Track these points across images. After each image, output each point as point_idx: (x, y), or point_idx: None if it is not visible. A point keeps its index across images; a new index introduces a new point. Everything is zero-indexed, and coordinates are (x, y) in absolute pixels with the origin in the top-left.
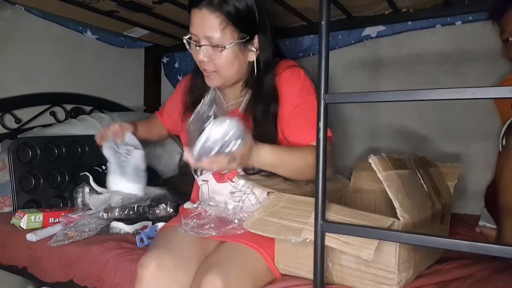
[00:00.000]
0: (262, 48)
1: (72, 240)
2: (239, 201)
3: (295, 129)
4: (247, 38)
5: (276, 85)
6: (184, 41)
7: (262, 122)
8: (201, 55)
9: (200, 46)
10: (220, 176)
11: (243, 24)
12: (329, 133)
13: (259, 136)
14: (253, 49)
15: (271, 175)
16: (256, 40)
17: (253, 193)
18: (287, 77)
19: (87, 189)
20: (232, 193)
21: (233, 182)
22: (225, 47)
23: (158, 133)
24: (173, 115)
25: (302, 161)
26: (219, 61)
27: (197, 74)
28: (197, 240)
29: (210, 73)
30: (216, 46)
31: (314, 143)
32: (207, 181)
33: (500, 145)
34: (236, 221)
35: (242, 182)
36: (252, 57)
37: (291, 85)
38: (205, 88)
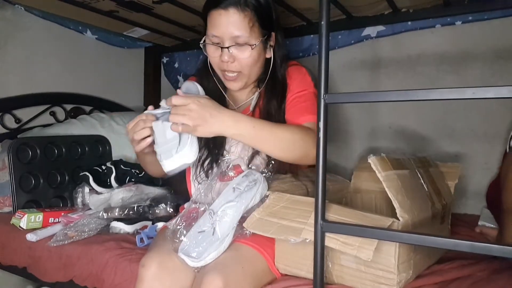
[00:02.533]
0: (279, 44)
1: (72, 240)
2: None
3: (292, 114)
4: (268, 35)
5: (286, 81)
6: (201, 45)
7: (276, 116)
8: (226, 56)
9: (224, 48)
10: (223, 176)
11: (265, 21)
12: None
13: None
14: (271, 45)
15: (272, 175)
16: (273, 36)
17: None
18: (289, 75)
19: (87, 189)
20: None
21: None
22: (255, 45)
23: None
24: None
25: (288, 135)
26: (246, 61)
27: (205, 77)
28: None
29: (233, 76)
30: (244, 45)
31: (307, 124)
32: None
33: (508, 146)
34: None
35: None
36: (270, 53)
37: (292, 81)
38: (214, 89)
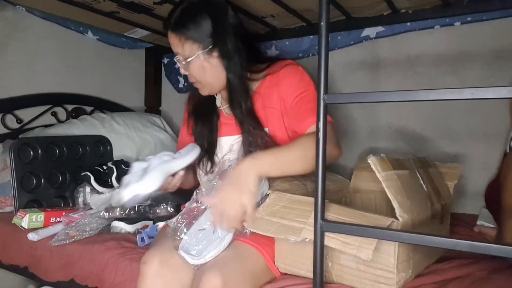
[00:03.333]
0: (223, 56)
1: (73, 239)
2: None
3: (295, 117)
4: (210, 47)
5: (246, 83)
6: (175, 60)
7: (247, 119)
8: (181, 69)
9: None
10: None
11: (200, 38)
12: (329, 118)
13: (245, 131)
14: (217, 57)
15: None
16: (216, 49)
17: None
18: (286, 73)
19: (88, 189)
20: None
21: None
22: (191, 59)
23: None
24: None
25: (302, 151)
26: (192, 72)
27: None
28: None
29: (195, 84)
30: (184, 61)
31: (312, 129)
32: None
33: (508, 147)
34: None
35: None
36: (222, 63)
37: (289, 80)
38: (205, 97)
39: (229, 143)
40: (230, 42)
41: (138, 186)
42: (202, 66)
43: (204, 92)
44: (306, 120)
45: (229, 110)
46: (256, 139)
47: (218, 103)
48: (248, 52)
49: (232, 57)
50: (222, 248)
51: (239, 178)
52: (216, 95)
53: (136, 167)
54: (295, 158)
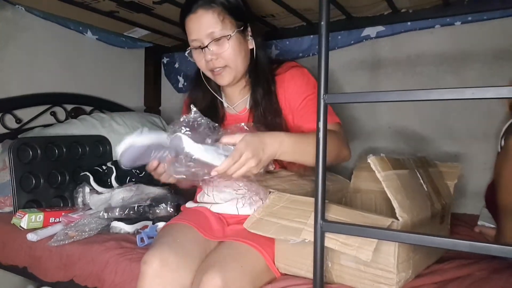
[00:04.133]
0: (256, 35)
1: (72, 239)
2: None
3: (305, 119)
4: (243, 26)
5: (275, 75)
6: (187, 54)
7: (262, 104)
8: (209, 54)
9: (204, 47)
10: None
11: (237, 12)
12: (337, 119)
13: (264, 115)
14: (250, 36)
15: (274, 174)
16: (249, 28)
17: (255, 192)
18: (292, 75)
19: (87, 189)
20: (235, 190)
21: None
22: (230, 36)
23: None
24: None
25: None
26: (227, 53)
27: (196, 87)
28: (199, 238)
29: (220, 70)
30: (221, 39)
31: (330, 124)
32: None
33: (499, 146)
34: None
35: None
36: (252, 44)
37: (296, 82)
38: (207, 98)
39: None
40: (258, 26)
41: (133, 137)
42: (239, 44)
43: (228, 79)
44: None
45: (240, 107)
46: (273, 120)
47: (225, 104)
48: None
49: (260, 38)
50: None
51: (257, 152)
52: (222, 96)
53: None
54: (312, 151)
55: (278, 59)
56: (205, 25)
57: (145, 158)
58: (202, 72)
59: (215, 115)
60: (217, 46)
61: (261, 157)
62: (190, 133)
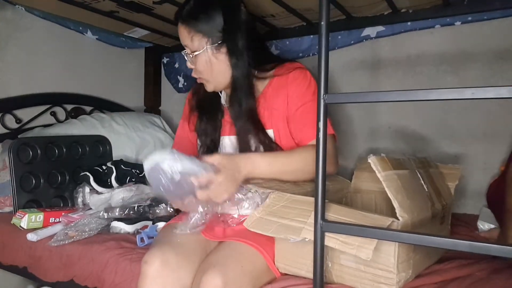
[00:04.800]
0: (232, 53)
1: (72, 239)
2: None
3: (298, 126)
4: (219, 42)
5: (252, 82)
6: (183, 54)
7: (241, 117)
8: (189, 62)
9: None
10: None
11: (210, 32)
12: (332, 131)
13: (240, 131)
14: (226, 53)
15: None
16: (224, 46)
17: (255, 191)
18: (295, 77)
19: (87, 189)
20: None
21: None
22: (197, 53)
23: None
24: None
25: (302, 163)
26: (198, 67)
27: (199, 83)
28: (200, 238)
29: (199, 79)
30: (191, 54)
31: (314, 142)
32: None
33: None
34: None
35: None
36: (230, 60)
37: (298, 85)
38: (209, 94)
39: (232, 141)
40: (240, 39)
41: (158, 155)
42: (209, 60)
43: (209, 88)
44: (310, 131)
45: None
46: (250, 141)
47: (222, 101)
48: (258, 51)
49: (241, 54)
50: None
51: (233, 174)
52: (221, 92)
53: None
54: (291, 170)
55: (279, 57)
56: (182, 38)
57: (176, 189)
58: None
59: (214, 106)
60: (194, 58)
61: (234, 186)
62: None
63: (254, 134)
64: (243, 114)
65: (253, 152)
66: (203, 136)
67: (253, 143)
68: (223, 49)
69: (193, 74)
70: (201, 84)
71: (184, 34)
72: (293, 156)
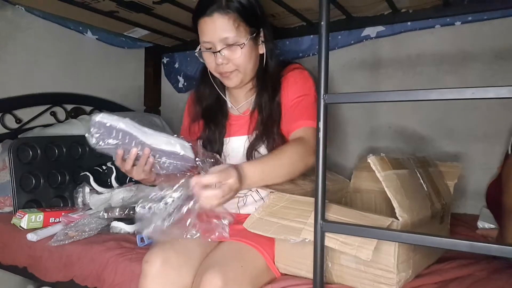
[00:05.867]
0: (268, 40)
1: (72, 239)
2: (243, 196)
3: (289, 118)
4: (256, 32)
5: (280, 77)
6: (197, 54)
7: (266, 109)
8: (220, 59)
9: (216, 52)
10: None
11: (251, 19)
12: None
13: (265, 122)
14: (261, 41)
15: None
16: (262, 33)
17: (256, 190)
18: (293, 77)
19: (87, 189)
20: None
21: None
22: (244, 44)
23: None
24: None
25: (287, 161)
26: (238, 60)
27: (202, 84)
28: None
29: (229, 73)
30: (234, 45)
31: (298, 132)
32: None
33: (509, 147)
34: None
35: None
36: (263, 49)
37: (295, 81)
38: (212, 96)
39: (237, 143)
40: (271, 29)
41: (107, 115)
42: (251, 51)
43: (235, 82)
44: (296, 122)
45: (243, 108)
46: (268, 139)
47: (229, 104)
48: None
49: (274, 44)
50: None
51: (226, 190)
52: (225, 96)
53: None
54: (280, 169)
55: (284, 61)
56: (219, 30)
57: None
58: (208, 70)
59: (219, 113)
60: (229, 51)
61: (237, 187)
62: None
63: (271, 125)
64: (271, 104)
65: (255, 154)
66: (208, 144)
67: (263, 141)
68: (260, 37)
69: (223, 70)
70: (205, 89)
71: (226, 25)
72: (280, 156)
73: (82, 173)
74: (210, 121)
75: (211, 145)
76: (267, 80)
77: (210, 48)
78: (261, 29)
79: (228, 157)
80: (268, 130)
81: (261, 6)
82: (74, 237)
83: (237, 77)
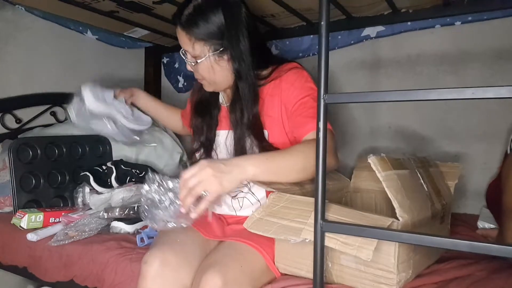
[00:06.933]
0: (234, 58)
1: (72, 239)
2: (235, 197)
3: (295, 123)
4: (220, 49)
5: (256, 90)
6: (181, 54)
7: (239, 125)
8: (188, 66)
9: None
10: None
11: (211, 38)
12: (328, 126)
13: (237, 139)
14: (228, 60)
15: None
16: (228, 53)
17: (252, 192)
18: (288, 78)
19: (87, 189)
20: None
21: None
22: (198, 61)
23: (171, 115)
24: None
25: (301, 159)
26: (200, 72)
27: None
28: (199, 238)
29: (200, 80)
30: (192, 59)
31: (311, 135)
32: None
33: (509, 147)
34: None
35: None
36: (233, 67)
37: (292, 85)
38: (206, 93)
39: (222, 136)
40: (243, 44)
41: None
42: (211, 67)
43: (209, 89)
44: (306, 126)
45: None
46: (247, 146)
47: (221, 99)
48: (259, 54)
49: (244, 60)
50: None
51: (227, 165)
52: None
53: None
54: (291, 166)
55: (278, 57)
56: (181, 42)
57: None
58: None
59: (211, 106)
60: (192, 62)
61: (221, 169)
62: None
63: (252, 141)
64: (244, 123)
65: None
66: (197, 134)
67: (249, 148)
68: (226, 56)
69: (195, 76)
70: (201, 84)
71: (185, 40)
72: (291, 152)
73: (82, 173)
74: (201, 112)
75: (200, 135)
76: (240, 101)
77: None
78: (228, 49)
79: (217, 149)
80: (240, 130)
81: (234, 25)
82: (74, 237)
83: (210, 86)
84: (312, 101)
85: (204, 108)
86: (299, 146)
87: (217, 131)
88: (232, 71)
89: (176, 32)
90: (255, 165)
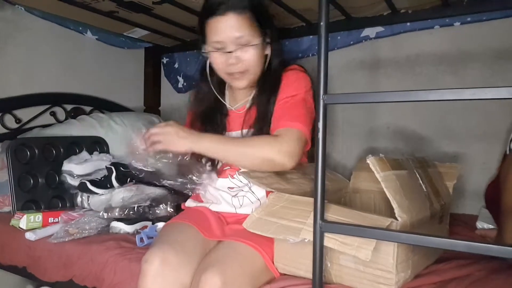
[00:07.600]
0: (275, 40)
1: (72, 237)
2: (236, 195)
3: (275, 117)
4: (265, 32)
5: (281, 78)
6: (203, 54)
7: (262, 108)
8: (233, 59)
9: (228, 52)
10: (221, 172)
11: (262, 19)
12: (298, 126)
13: (261, 124)
14: (268, 42)
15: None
16: (269, 33)
17: (252, 191)
18: (287, 76)
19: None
20: (230, 188)
21: (233, 178)
22: (257, 44)
23: None
24: None
25: (250, 149)
26: (250, 60)
27: (201, 83)
28: (199, 238)
29: (239, 74)
30: (246, 45)
31: (281, 130)
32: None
33: (508, 148)
34: None
35: (242, 179)
36: (268, 50)
37: (287, 83)
38: (212, 95)
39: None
40: (276, 30)
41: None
42: (260, 52)
43: (245, 83)
44: (279, 121)
45: (240, 106)
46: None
47: (227, 103)
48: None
49: (279, 44)
50: None
51: (186, 132)
52: (224, 94)
53: None
54: (238, 147)
55: (287, 61)
56: (233, 29)
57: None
58: (206, 70)
59: (218, 112)
60: (242, 52)
61: (180, 134)
62: None
63: (262, 125)
64: (270, 112)
65: None
66: None
67: None
68: (267, 38)
69: (233, 70)
70: (204, 88)
71: (240, 24)
72: (247, 142)
73: (80, 182)
74: (208, 122)
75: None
76: (269, 83)
77: (221, 48)
78: (267, 30)
79: None
80: (262, 128)
81: (269, 6)
82: (75, 234)
83: (247, 78)
84: (296, 100)
85: (211, 116)
86: (258, 141)
87: (228, 133)
88: (270, 54)
89: (177, 33)
90: (212, 141)
